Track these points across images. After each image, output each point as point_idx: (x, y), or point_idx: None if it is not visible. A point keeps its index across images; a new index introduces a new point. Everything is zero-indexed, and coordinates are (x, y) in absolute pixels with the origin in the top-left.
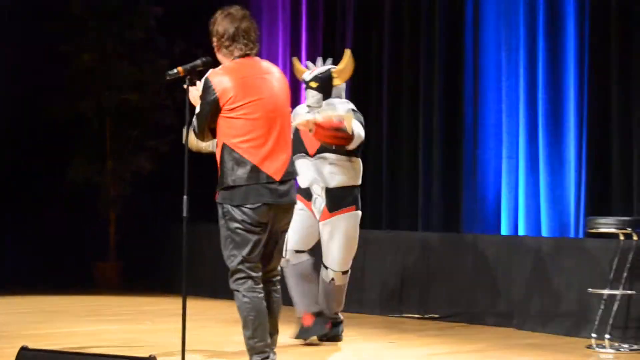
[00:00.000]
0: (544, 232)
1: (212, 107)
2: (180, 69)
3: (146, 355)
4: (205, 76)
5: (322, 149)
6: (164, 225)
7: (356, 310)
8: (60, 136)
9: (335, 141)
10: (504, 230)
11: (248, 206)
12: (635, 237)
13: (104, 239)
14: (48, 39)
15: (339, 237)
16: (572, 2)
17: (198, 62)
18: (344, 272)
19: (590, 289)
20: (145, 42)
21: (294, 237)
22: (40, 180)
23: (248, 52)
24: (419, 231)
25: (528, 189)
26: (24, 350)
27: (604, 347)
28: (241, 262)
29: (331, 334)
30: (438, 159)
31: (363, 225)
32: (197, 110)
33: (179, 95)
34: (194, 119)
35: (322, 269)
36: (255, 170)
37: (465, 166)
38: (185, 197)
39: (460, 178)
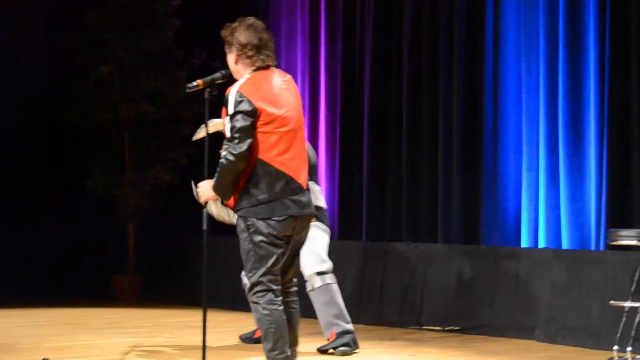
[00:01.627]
0: (565, 244)
1: (254, 120)
2: (200, 81)
3: None
4: (235, 90)
5: None
6: (183, 237)
7: (375, 323)
8: (79, 147)
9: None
10: (524, 242)
11: (275, 219)
12: None
13: (123, 251)
14: (66, 50)
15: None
16: (593, 13)
17: (218, 75)
18: (319, 273)
19: (611, 302)
20: (163, 54)
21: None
22: (59, 191)
23: (270, 63)
24: (439, 243)
25: (548, 201)
26: None
27: (626, 359)
28: (263, 275)
29: (337, 344)
30: (458, 170)
31: (383, 237)
32: (234, 125)
33: (197, 107)
34: (233, 137)
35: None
36: (290, 181)
37: (485, 178)
38: (205, 210)
39: (480, 190)
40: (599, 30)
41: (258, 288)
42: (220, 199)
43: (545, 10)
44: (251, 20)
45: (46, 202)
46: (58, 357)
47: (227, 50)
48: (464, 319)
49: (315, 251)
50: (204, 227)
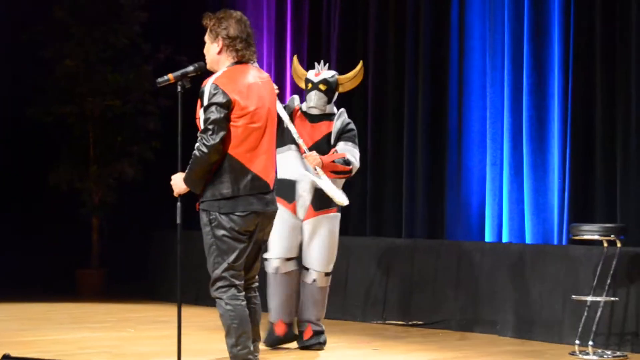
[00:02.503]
0: (528, 238)
1: (228, 112)
2: (170, 75)
3: None
4: (211, 82)
5: (315, 147)
6: (147, 231)
7: (339, 317)
8: (43, 141)
9: (337, 177)
10: (488, 237)
11: (237, 214)
12: (618, 244)
13: (87, 245)
14: (32, 44)
15: (322, 236)
16: (557, 8)
17: (190, 68)
18: (327, 274)
19: (573, 296)
20: (130, 48)
21: (282, 243)
22: (23, 185)
23: (253, 58)
24: (403, 238)
25: (512, 195)
26: (6, 358)
27: (587, 353)
28: (225, 270)
29: (312, 343)
30: (422, 165)
31: (347, 231)
32: (208, 117)
33: (163, 101)
34: (207, 129)
35: (303, 272)
36: (255, 179)
37: (449, 173)
38: (178, 203)
39: (444, 185)
40: (563, 25)
41: (220, 283)
42: None
43: (510, 5)
44: (239, 14)
45: (11, 196)
46: (21, 352)
47: (208, 39)
48: (427, 313)
49: (335, 249)
50: (178, 220)
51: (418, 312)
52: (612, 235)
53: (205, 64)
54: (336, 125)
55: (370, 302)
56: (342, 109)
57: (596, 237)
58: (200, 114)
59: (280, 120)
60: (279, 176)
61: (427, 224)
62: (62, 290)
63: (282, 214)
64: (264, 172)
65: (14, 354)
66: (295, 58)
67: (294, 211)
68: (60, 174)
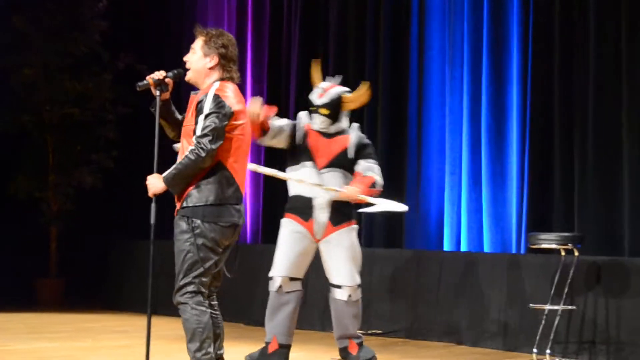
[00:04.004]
0: (486, 247)
1: (228, 122)
2: (149, 79)
3: None
4: (213, 92)
5: (333, 163)
6: (106, 241)
7: (298, 327)
8: (1, 150)
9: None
10: (447, 245)
11: (221, 224)
12: (576, 253)
13: (45, 254)
14: None
15: (346, 249)
16: (516, 20)
17: (170, 74)
18: (358, 286)
19: (531, 305)
20: (89, 56)
21: (288, 262)
22: None
23: (237, 81)
24: (361, 247)
25: (470, 204)
26: None
27: None
28: (196, 277)
29: (367, 356)
30: (382, 173)
31: None
32: (209, 124)
33: (122, 109)
34: (206, 135)
35: (333, 291)
36: (238, 190)
37: (408, 181)
38: (153, 204)
39: (403, 193)
40: (522, 36)
41: (190, 289)
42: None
43: (470, 16)
44: (232, 37)
45: None
46: None
47: (200, 51)
48: (386, 322)
49: (359, 259)
50: (152, 220)
51: (377, 321)
52: (569, 244)
53: (184, 71)
54: (352, 138)
55: (329, 311)
56: (356, 124)
57: (554, 246)
58: (200, 120)
59: (293, 139)
60: (294, 193)
61: (385, 232)
62: (20, 300)
63: (296, 231)
64: (242, 184)
65: None
66: (314, 64)
67: (311, 230)
68: (19, 182)
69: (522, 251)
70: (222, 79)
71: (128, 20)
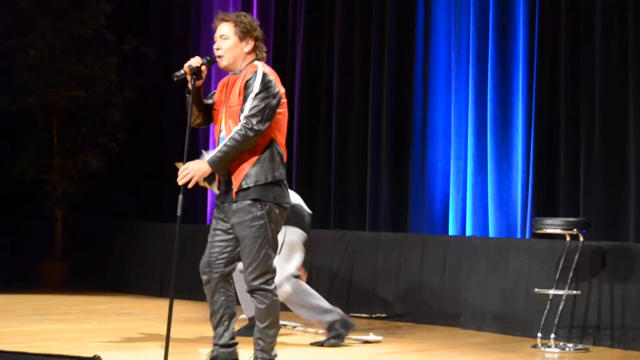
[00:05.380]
0: (491, 232)
1: (278, 103)
2: (186, 69)
3: (91, 355)
4: (262, 72)
5: None
6: (112, 223)
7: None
8: (6, 132)
9: None
10: (452, 230)
11: (284, 205)
12: (581, 238)
13: (50, 237)
14: None
15: None
16: (522, 4)
17: (204, 60)
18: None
19: (536, 289)
20: (95, 39)
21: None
22: None
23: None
24: (366, 231)
25: (476, 189)
26: None
27: (549, 346)
28: (272, 263)
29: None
30: (387, 158)
31: (312, 225)
32: (259, 104)
33: (128, 93)
34: (255, 115)
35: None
36: (285, 168)
37: (413, 166)
38: (180, 196)
39: (408, 178)
40: (528, 21)
41: (270, 276)
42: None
43: (476, 0)
44: (252, 16)
45: None
46: None
47: (235, 36)
48: (391, 306)
49: None
50: (179, 212)
51: (382, 305)
52: (574, 230)
53: (215, 57)
54: None
55: (334, 295)
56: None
57: (559, 231)
58: (249, 99)
59: None
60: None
61: (391, 217)
62: (25, 283)
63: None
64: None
65: None
66: None
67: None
68: (24, 165)
69: (527, 236)
70: (258, 60)
71: (133, 2)
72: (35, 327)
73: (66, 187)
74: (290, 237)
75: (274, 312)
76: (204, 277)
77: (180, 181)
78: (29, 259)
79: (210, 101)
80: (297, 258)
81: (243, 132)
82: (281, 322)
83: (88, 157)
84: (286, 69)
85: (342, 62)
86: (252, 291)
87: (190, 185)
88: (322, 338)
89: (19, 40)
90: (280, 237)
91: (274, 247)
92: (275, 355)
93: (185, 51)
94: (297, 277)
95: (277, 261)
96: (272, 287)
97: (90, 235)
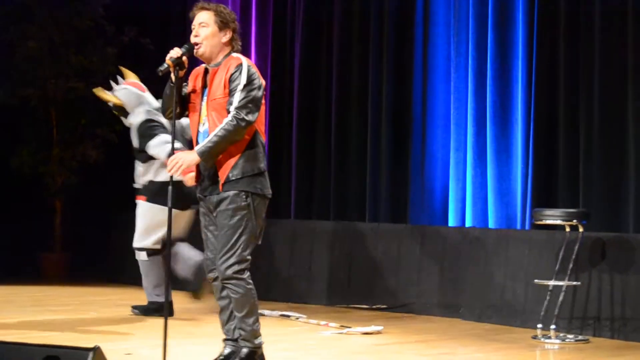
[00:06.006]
0: (491, 223)
1: (263, 94)
2: (169, 62)
3: (91, 345)
4: (246, 64)
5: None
6: (110, 214)
7: (304, 301)
8: (4, 124)
9: None
10: (451, 221)
11: (267, 195)
12: (580, 229)
13: (50, 228)
14: None
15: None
16: None
17: (184, 50)
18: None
19: (536, 280)
20: (93, 30)
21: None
22: None
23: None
24: (366, 222)
25: (475, 180)
26: None
27: (549, 337)
28: (249, 253)
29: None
30: (386, 150)
31: (311, 215)
32: (248, 95)
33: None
34: (245, 106)
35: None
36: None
37: (413, 157)
38: (170, 188)
39: (408, 169)
40: (527, 12)
41: (245, 265)
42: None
43: None
44: None
45: None
46: None
47: (214, 25)
48: (390, 297)
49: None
50: (169, 204)
51: (382, 296)
52: (574, 220)
53: (192, 45)
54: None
55: (334, 286)
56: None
57: (558, 222)
58: (236, 92)
59: None
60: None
61: (390, 208)
62: (25, 274)
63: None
64: None
65: None
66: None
67: None
68: (23, 156)
69: (527, 227)
70: (234, 52)
71: None
72: (35, 318)
73: (65, 178)
74: (157, 213)
75: (249, 300)
76: (211, 275)
77: (170, 171)
78: (28, 250)
79: (184, 92)
80: (158, 234)
81: (235, 122)
82: (284, 312)
83: (87, 148)
84: (285, 57)
85: (341, 53)
86: (225, 280)
87: (177, 174)
88: (323, 330)
89: (18, 31)
90: (150, 211)
91: (255, 237)
92: (261, 343)
93: (184, 42)
94: (155, 251)
95: (140, 231)
96: (245, 275)
97: (89, 227)
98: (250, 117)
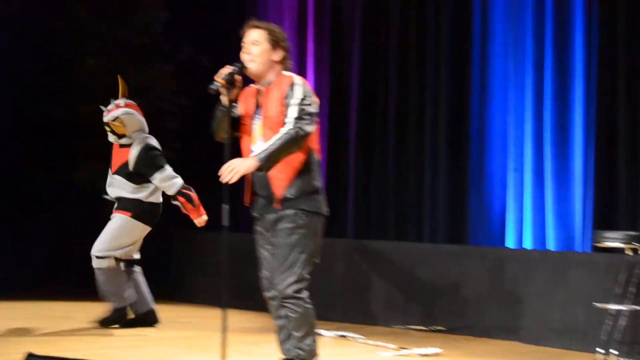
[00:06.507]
0: (550, 245)
1: (317, 111)
2: (222, 81)
3: None
4: (299, 81)
5: (118, 172)
6: (169, 232)
7: (361, 321)
8: (63, 140)
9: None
10: (510, 243)
11: (325, 214)
12: None
13: None
14: (51, 41)
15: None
16: (580, 13)
17: (235, 69)
18: (97, 257)
19: (596, 304)
20: (150, 47)
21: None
22: (46, 184)
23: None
24: (424, 242)
25: (534, 201)
26: (30, 357)
27: None
28: (308, 272)
29: None
30: (444, 170)
31: (369, 235)
32: (305, 108)
33: (185, 101)
34: (303, 118)
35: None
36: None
37: (471, 178)
38: (224, 205)
39: (466, 190)
40: (586, 31)
41: (304, 284)
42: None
43: (534, 10)
44: None
45: (35, 195)
46: (43, 350)
47: (266, 44)
48: (448, 318)
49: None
50: (225, 223)
51: (440, 318)
52: (635, 243)
53: (242, 63)
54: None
55: (392, 307)
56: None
57: (619, 244)
58: (293, 106)
59: None
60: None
61: (448, 229)
62: (84, 290)
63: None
64: None
65: (36, 352)
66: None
67: None
68: (83, 172)
69: (587, 249)
70: (285, 70)
71: (189, 11)
72: (94, 333)
73: None
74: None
75: (308, 319)
76: (268, 295)
77: (225, 178)
78: (85, 265)
79: (235, 114)
80: (126, 248)
81: (294, 131)
82: (342, 332)
83: None
84: (342, 83)
85: (398, 72)
86: (284, 299)
87: (233, 181)
88: (381, 351)
89: (77, 47)
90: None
91: (313, 256)
92: None
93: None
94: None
95: (107, 237)
96: (304, 295)
97: (147, 244)
98: (307, 128)
